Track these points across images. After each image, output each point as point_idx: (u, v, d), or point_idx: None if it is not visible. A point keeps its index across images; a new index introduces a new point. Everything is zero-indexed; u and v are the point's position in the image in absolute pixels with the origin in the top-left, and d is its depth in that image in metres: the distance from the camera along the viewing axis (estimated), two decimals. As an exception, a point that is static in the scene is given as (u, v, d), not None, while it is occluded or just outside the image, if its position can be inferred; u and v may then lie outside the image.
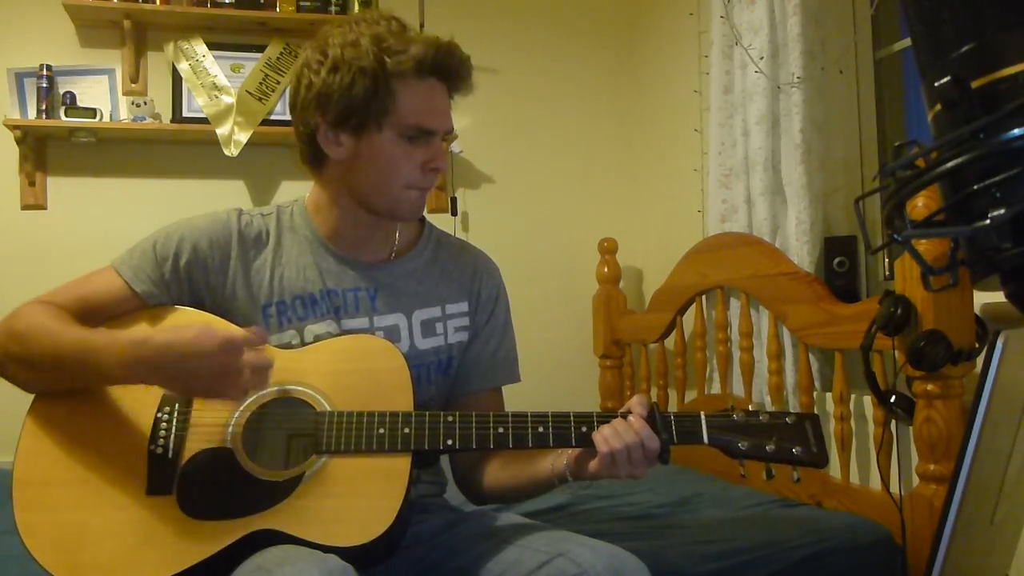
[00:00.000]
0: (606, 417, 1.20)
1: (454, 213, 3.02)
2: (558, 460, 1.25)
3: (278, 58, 2.90)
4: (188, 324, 1.15)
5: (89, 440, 1.19)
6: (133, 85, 2.81)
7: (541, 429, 1.19)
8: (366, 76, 1.22)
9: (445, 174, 3.00)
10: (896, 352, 1.67)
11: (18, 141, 2.66)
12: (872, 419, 1.89)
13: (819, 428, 1.23)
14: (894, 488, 1.71)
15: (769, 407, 2.14)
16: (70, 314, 1.24)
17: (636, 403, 1.21)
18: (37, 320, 1.20)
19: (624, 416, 1.19)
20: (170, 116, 2.81)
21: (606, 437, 1.17)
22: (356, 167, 1.29)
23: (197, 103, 2.80)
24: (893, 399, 1.69)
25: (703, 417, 1.21)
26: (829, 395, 2.02)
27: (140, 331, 1.19)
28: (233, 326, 1.22)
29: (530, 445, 1.20)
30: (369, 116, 1.25)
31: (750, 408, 1.24)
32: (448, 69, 1.28)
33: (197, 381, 1.11)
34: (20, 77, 2.71)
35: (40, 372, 1.20)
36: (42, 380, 1.21)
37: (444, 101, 1.30)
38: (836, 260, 2.16)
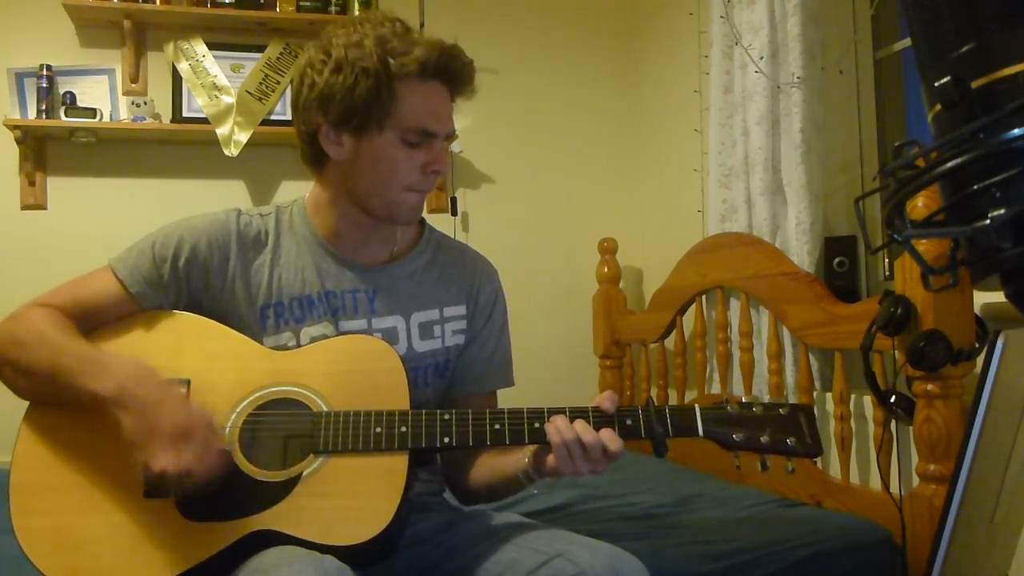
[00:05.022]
0: (598, 411, 1.20)
1: (454, 213, 3.02)
2: (521, 457, 1.24)
3: (278, 58, 2.90)
4: (178, 397, 1.14)
5: (85, 444, 1.19)
6: (133, 85, 2.82)
7: (537, 425, 1.19)
8: (369, 77, 1.22)
9: (445, 175, 3.00)
10: (896, 352, 1.67)
11: (18, 141, 2.66)
12: (872, 419, 1.88)
13: (813, 419, 1.23)
14: (894, 488, 1.71)
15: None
16: (70, 317, 1.23)
17: (604, 398, 1.21)
18: (39, 328, 1.20)
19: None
20: (170, 116, 2.81)
21: (558, 427, 1.16)
22: (356, 168, 1.28)
23: (197, 103, 2.80)
24: (893, 399, 1.69)
25: (698, 410, 1.21)
26: (829, 395, 2.02)
27: (139, 363, 1.16)
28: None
29: (527, 441, 1.20)
30: (371, 117, 1.24)
31: (744, 400, 1.24)
32: (451, 72, 1.27)
33: (156, 437, 1.09)
34: (20, 77, 2.71)
35: (36, 381, 1.19)
36: (36, 389, 1.21)
37: (446, 104, 1.30)
38: (836, 260, 2.16)
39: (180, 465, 1.08)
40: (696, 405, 1.23)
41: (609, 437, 1.15)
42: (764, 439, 1.20)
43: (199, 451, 1.10)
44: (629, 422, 1.19)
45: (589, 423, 1.17)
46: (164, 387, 1.14)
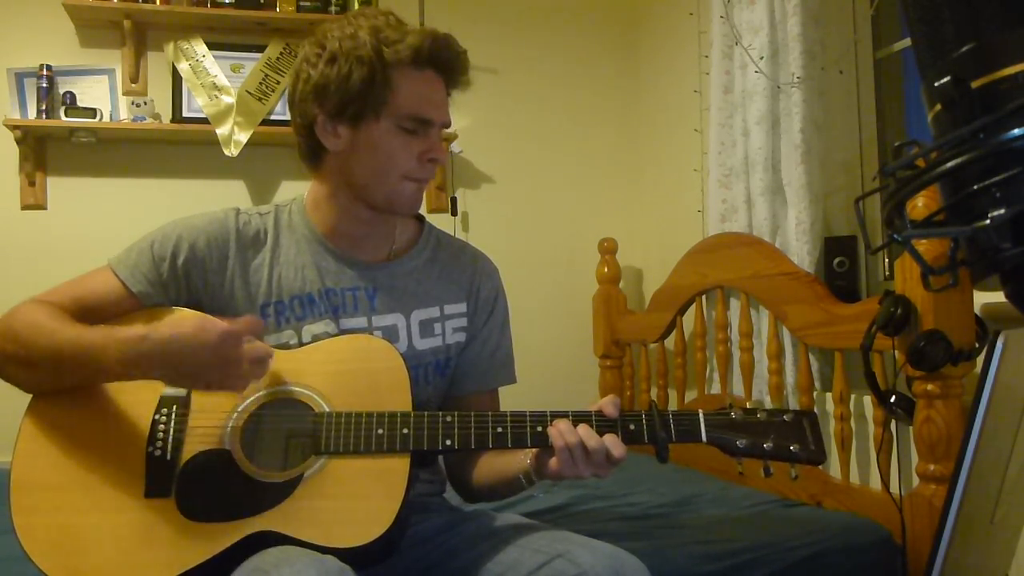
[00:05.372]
0: (601, 416, 1.20)
1: (454, 213, 3.02)
2: (523, 458, 1.25)
3: (278, 58, 2.90)
4: (185, 319, 1.15)
5: (87, 443, 1.19)
6: (133, 85, 2.82)
7: (539, 428, 1.19)
8: (363, 65, 1.23)
9: (444, 173, 3.00)
10: (896, 352, 1.67)
11: (18, 141, 2.66)
12: (872, 419, 1.88)
13: (817, 425, 1.23)
14: (894, 488, 1.71)
15: (769, 407, 2.14)
16: (67, 312, 1.23)
17: (606, 402, 1.21)
18: (35, 319, 1.20)
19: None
20: (170, 116, 2.81)
21: (561, 431, 1.16)
22: (354, 159, 1.29)
23: (197, 103, 2.80)
24: (893, 399, 1.69)
25: (701, 415, 1.21)
26: (829, 395, 2.02)
27: (139, 328, 1.18)
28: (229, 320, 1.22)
29: (528, 444, 1.20)
30: (367, 106, 1.25)
31: (748, 406, 1.23)
32: (445, 60, 1.29)
33: (198, 373, 1.12)
34: (20, 77, 2.71)
35: (39, 371, 1.19)
36: (41, 379, 1.21)
37: (441, 92, 1.31)
38: (836, 260, 2.16)
39: (245, 378, 1.14)
40: (700, 410, 1.22)
41: (613, 443, 1.15)
42: (768, 445, 1.20)
43: (247, 367, 1.13)
44: (632, 427, 1.19)
45: (592, 428, 1.17)
46: (174, 331, 1.13)
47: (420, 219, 1.46)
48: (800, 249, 2.15)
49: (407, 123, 1.27)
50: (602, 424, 1.19)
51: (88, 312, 1.26)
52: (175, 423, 1.20)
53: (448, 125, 1.34)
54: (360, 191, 1.31)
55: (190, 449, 1.19)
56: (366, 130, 1.27)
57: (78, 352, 1.16)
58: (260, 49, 2.89)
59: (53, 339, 1.17)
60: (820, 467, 2.00)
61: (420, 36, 1.26)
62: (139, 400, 1.20)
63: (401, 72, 1.25)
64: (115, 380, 1.19)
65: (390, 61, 1.24)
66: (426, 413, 1.21)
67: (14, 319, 1.22)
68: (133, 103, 2.73)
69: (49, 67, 2.68)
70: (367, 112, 1.26)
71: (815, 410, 2.04)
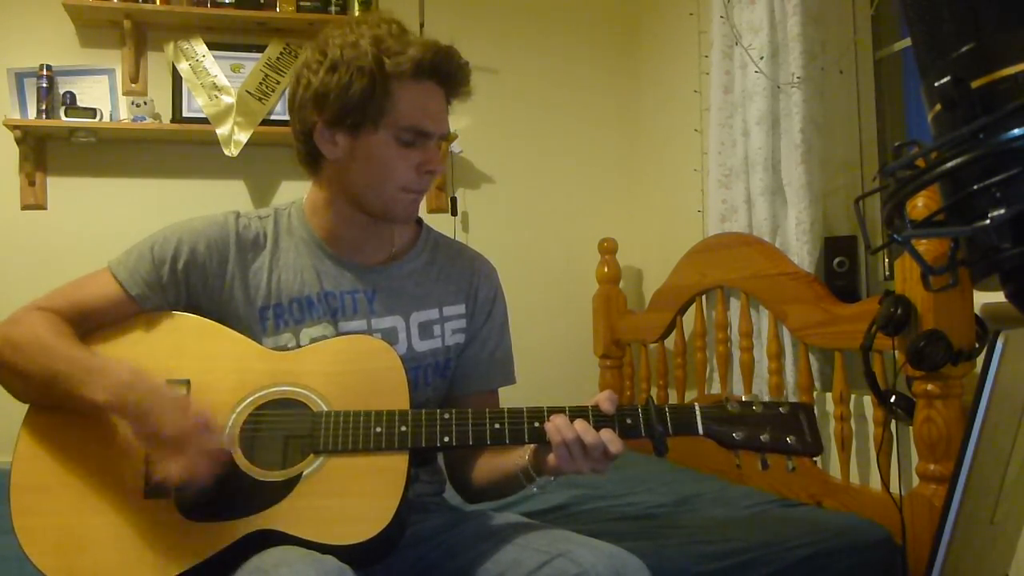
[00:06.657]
0: (598, 411, 1.20)
1: (454, 213, 3.02)
2: (521, 456, 1.25)
3: (278, 58, 2.90)
4: (167, 394, 1.15)
5: (86, 444, 1.18)
6: (133, 85, 2.82)
7: (537, 424, 1.19)
8: (364, 76, 1.22)
9: (444, 174, 3.00)
10: (896, 352, 1.67)
11: (18, 141, 2.66)
12: (872, 419, 1.89)
13: (813, 417, 1.22)
14: (894, 488, 1.71)
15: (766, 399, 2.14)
16: (68, 321, 1.23)
17: (603, 398, 1.21)
18: (36, 332, 1.20)
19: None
20: (170, 116, 2.81)
21: (558, 427, 1.16)
22: (352, 167, 1.29)
23: (197, 103, 2.80)
24: (893, 399, 1.69)
25: (697, 408, 1.21)
26: (829, 395, 2.02)
27: (133, 367, 1.16)
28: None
29: (526, 441, 1.20)
30: (366, 116, 1.25)
31: (744, 399, 1.23)
32: (446, 73, 1.28)
33: (156, 435, 1.11)
34: (20, 77, 2.71)
35: (31, 384, 1.19)
36: (32, 392, 1.21)
37: (441, 104, 1.30)
38: (836, 260, 2.16)
39: (179, 473, 1.09)
40: (696, 403, 1.23)
41: (610, 438, 1.15)
42: (764, 438, 1.19)
43: (197, 457, 1.10)
44: (629, 421, 1.19)
45: (589, 422, 1.17)
46: (159, 392, 1.14)
47: (418, 221, 1.46)
48: (800, 249, 2.15)
49: (406, 135, 1.26)
50: (599, 419, 1.19)
51: (88, 316, 1.26)
52: (174, 423, 1.20)
53: (447, 136, 1.34)
54: (357, 199, 1.31)
55: (189, 449, 1.19)
56: (364, 140, 1.26)
57: (70, 376, 1.15)
58: (260, 49, 2.89)
59: (50, 358, 1.17)
60: (820, 467, 2.00)
61: (422, 48, 1.25)
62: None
63: (401, 84, 1.24)
64: (96, 413, 1.16)
65: (391, 72, 1.23)
66: (424, 411, 1.21)
67: (15, 328, 1.22)
68: (133, 103, 2.73)
69: (49, 67, 2.68)
70: (366, 122, 1.25)
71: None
